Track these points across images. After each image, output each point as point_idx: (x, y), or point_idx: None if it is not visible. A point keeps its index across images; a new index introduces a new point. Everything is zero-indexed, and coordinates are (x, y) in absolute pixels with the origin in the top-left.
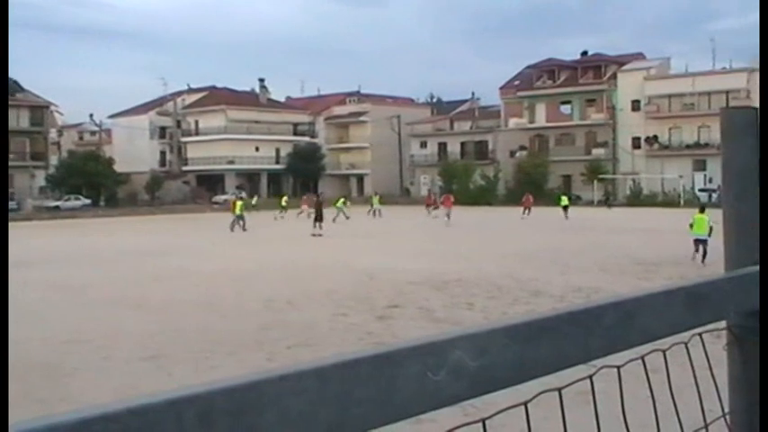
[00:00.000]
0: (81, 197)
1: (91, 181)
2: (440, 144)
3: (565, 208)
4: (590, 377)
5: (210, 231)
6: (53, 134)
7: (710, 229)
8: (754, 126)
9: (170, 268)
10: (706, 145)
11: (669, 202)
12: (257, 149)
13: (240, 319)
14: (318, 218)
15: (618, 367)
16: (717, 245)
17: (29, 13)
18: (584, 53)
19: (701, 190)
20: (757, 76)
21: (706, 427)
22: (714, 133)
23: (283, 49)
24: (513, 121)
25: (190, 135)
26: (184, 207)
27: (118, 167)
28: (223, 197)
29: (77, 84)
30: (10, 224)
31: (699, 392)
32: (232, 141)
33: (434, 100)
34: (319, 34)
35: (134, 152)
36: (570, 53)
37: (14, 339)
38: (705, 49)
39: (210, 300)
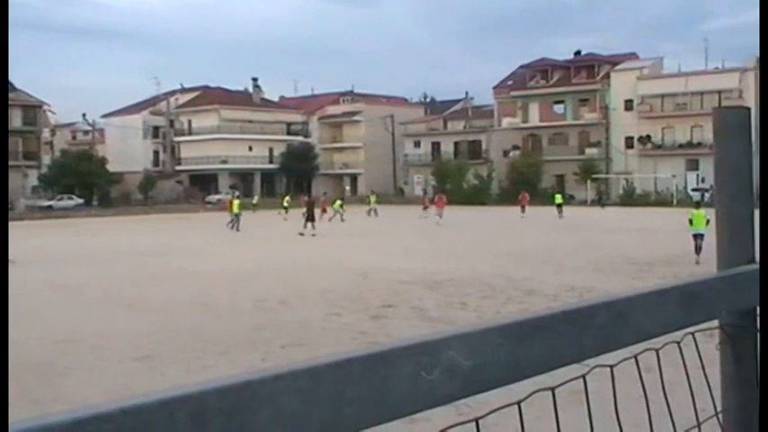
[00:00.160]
0: (74, 197)
1: (84, 180)
2: (433, 144)
3: (559, 207)
4: (583, 376)
5: (204, 231)
6: (46, 134)
7: (707, 221)
8: (746, 126)
9: (164, 268)
10: (699, 144)
11: (662, 201)
12: (250, 149)
13: (234, 318)
14: (310, 218)
15: (611, 366)
16: (711, 240)
17: (21, 13)
18: (578, 53)
19: (693, 189)
20: (749, 76)
21: (699, 425)
22: (707, 133)
23: (276, 49)
24: (506, 121)
25: (183, 135)
26: (177, 207)
27: (111, 167)
28: (216, 197)
29: (70, 83)
30: None
31: (691, 391)
32: (225, 141)
33: (428, 99)
34: (313, 34)
35: (127, 152)
36: (563, 53)
37: (9, 339)
38: (698, 48)
39: (204, 299)
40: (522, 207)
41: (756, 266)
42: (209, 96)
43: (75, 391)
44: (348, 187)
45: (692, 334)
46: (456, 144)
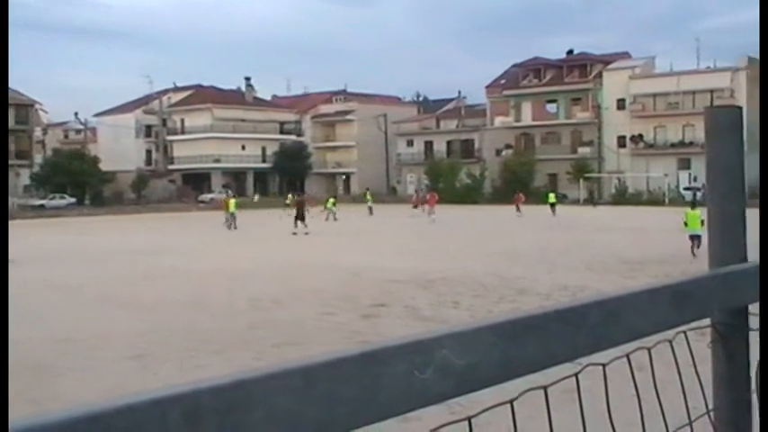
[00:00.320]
0: (66, 196)
1: (76, 180)
2: (426, 143)
3: (552, 206)
4: (576, 375)
5: (197, 230)
6: (38, 132)
7: (702, 222)
8: (738, 125)
9: (157, 267)
10: (690, 144)
11: (654, 200)
12: (243, 148)
13: (227, 317)
14: (300, 217)
15: (603, 365)
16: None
17: (14, 13)
18: (570, 52)
19: (685, 188)
20: (741, 75)
21: (690, 424)
22: (699, 132)
23: (270, 48)
24: (498, 120)
25: (176, 134)
26: (170, 206)
27: (103, 166)
28: (209, 196)
29: (62, 82)
30: None
31: (683, 390)
32: (218, 140)
33: (421, 99)
34: (306, 33)
35: (120, 151)
36: (556, 52)
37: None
38: (690, 48)
39: (197, 299)
40: (518, 207)
41: (748, 265)
42: (202, 95)
43: (67, 390)
44: (341, 187)
45: (684, 332)
46: (449, 143)
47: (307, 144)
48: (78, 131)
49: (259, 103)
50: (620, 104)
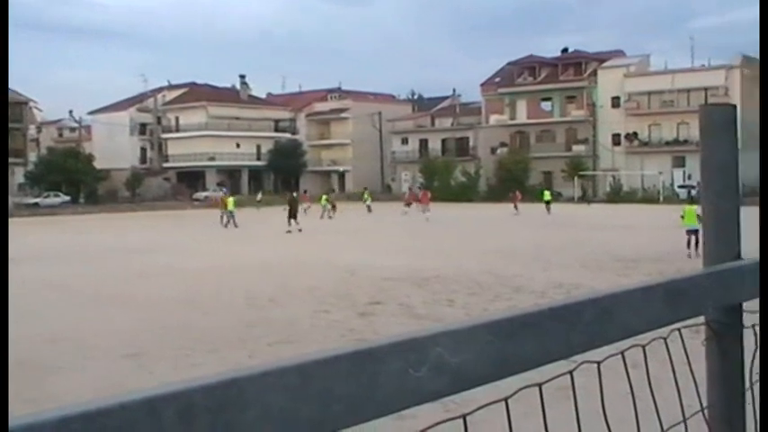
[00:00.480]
0: (60, 194)
1: (70, 178)
2: (421, 141)
3: (547, 203)
4: (570, 373)
5: (192, 228)
6: (32, 131)
7: (698, 217)
8: (732, 123)
9: (152, 265)
10: (685, 142)
11: (649, 198)
12: (238, 146)
13: (222, 316)
14: (292, 215)
15: (598, 363)
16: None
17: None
18: (565, 50)
19: (680, 186)
20: (735, 73)
21: (685, 421)
22: (693, 130)
23: (264, 46)
24: (493, 118)
25: (170, 131)
26: (165, 204)
27: (98, 164)
28: (204, 194)
29: (57, 80)
30: None
31: (678, 387)
32: (213, 138)
33: (415, 97)
34: (301, 31)
35: (114, 149)
36: (551, 50)
37: None
38: (684, 46)
39: (193, 297)
40: (515, 205)
41: (742, 263)
42: (197, 93)
43: (62, 389)
44: (336, 185)
45: (679, 330)
46: (443, 141)
47: (301, 142)
48: (73, 129)
49: (254, 100)
50: (615, 102)
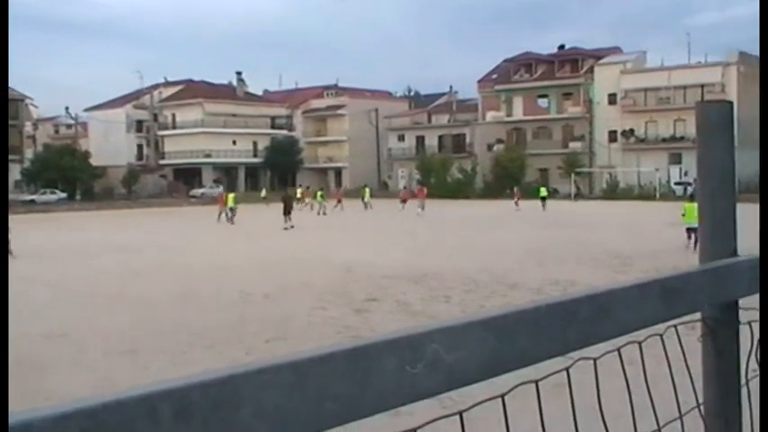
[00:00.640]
0: (57, 191)
1: (67, 175)
2: (417, 137)
3: (543, 200)
4: (566, 369)
5: (189, 225)
6: (28, 127)
7: None
8: (729, 120)
9: (148, 262)
10: (681, 138)
11: (645, 195)
12: (234, 143)
13: (219, 312)
14: (286, 212)
15: (594, 359)
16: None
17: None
18: (561, 47)
19: (676, 183)
20: (732, 70)
21: (681, 417)
22: (689, 127)
23: (261, 43)
24: (490, 115)
25: (167, 128)
26: (161, 201)
27: (94, 161)
28: (200, 191)
29: (53, 77)
30: None
31: (674, 383)
32: (209, 135)
33: (412, 93)
34: (297, 28)
35: (110, 146)
36: (547, 47)
37: None
38: (681, 43)
39: (189, 294)
40: (516, 201)
41: (738, 260)
42: (193, 90)
43: (59, 386)
44: (332, 182)
45: (675, 327)
46: (440, 138)
47: (298, 139)
48: (69, 126)
49: (250, 97)
50: (612, 99)
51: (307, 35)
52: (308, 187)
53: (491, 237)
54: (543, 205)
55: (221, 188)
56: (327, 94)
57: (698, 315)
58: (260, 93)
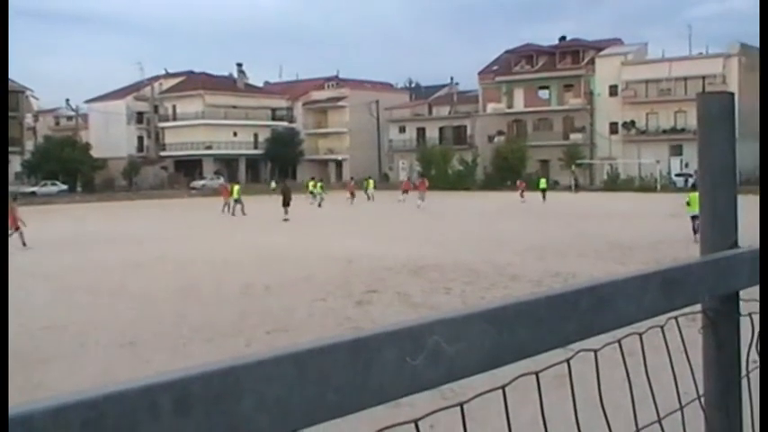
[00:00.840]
0: (58, 183)
1: (67, 167)
2: (418, 129)
3: (543, 191)
4: (567, 361)
5: (190, 217)
6: (29, 119)
7: None
8: (730, 111)
9: (148, 254)
10: (682, 130)
11: (646, 186)
12: (235, 135)
13: (219, 305)
14: (285, 203)
15: (595, 351)
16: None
17: None
18: (563, 38)
19: (677, 175)
20: (733, 61)
21: (681, 409)
22: (690, 118)
23: (261, 34)
24: (491, 107)
25: (167, 120)
26: (162, 192)
27: (95, 153)
28: (201, 182)
29: (53, 68)
30: None
31: (674, 375)
32: (210, 126)
33: (413, 85)
34: (298, 19)
35: (111, 137)
36: (548, 39)
37: None
38: (682, 34)
39: (189, 286)
40: (521, 193)
41: (739, 251)
42: (194, 82)
43: (59, 378)
44: (333, 174)
45: (676, 318)
46: (441, 129)
47: (299, 131)
48: (69, 118)
49: (251, 89)
50: (613, 91)
51: (307, 27)
52: (351, 178)
53: (492, 228)
54: (543, 197)
55: (222, 180)
56: (328, 86)
57: (698, 307)
58: (261, 84)
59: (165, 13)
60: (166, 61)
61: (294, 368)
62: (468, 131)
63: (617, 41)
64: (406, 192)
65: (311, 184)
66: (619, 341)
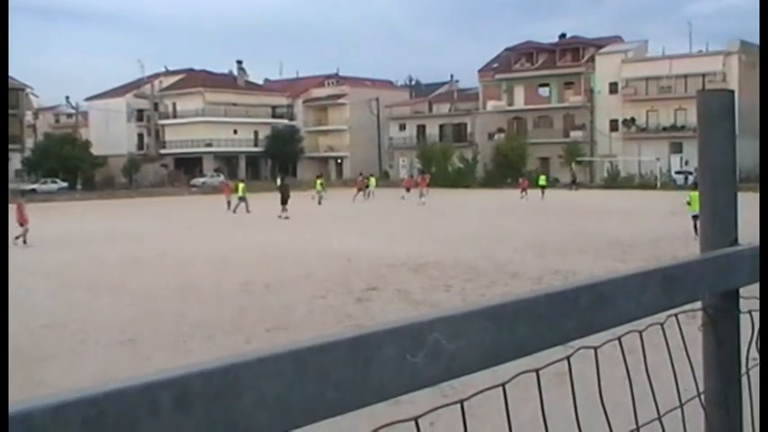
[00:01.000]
0: (57, 180)
1: (67, 164)
2: (418, 127)
3: (542, 188)
4: (567, 358)
5: (189, 214)
6: (29, 117)
7: None
8: (730, 109)
9: (148, 252)
10: (682, 128)
11: (646, 184)
12: (235, 132)
13: (219, 302)
14: (284, 201)
15: (595, 348)
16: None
17: None
18: (563, 36)
19: (677, 172)
20: (733, 59)
21: (681, 406)
22: (690, 116)
23: (262, 32)
24: (491, 104)
25: (167, 118)
26: (162, 190)
27: (95, 150)
28: (201, 180)
29: (53, 66)
30: None
31: (674, 372)
32: (210, 124)
33: (413, 83)
34: (298, 16)
35: (111, 135)
36: (548, 36)
37: None
38: (682, 32)
39: (189, 283)
40: (524, 191)
41: (739, 248)
42: (194, 79)
43: (60, 375)
44: (333, 171)
45: (676, 316)
46: (441, 127)
47: (299, 128)
48: (69, 116)
49: (251, 86)
50: (613, 88)
51: (308, 24)
52: (360, 174)
53: (492, 225)
54: (542, 194)
55: (222, 177)
56: (328, 84)
57: (698, 304)
58: (261, 82)
59: (165, 10)
60: (167, 59)
61: (294, 365)
62: (469, 129)
63: (617, 39)
64: (408, 189)
65: (318, 182)
66: (619, 338)
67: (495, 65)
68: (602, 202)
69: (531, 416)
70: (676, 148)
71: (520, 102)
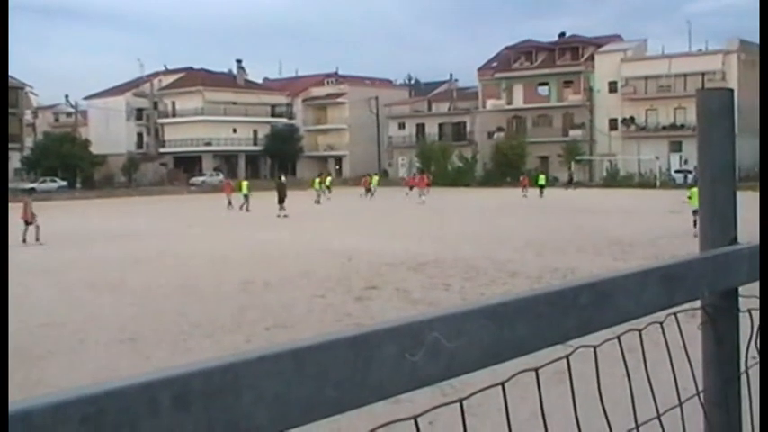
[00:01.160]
0: (57, 179)
1: (67, 163)
2: (418, 125)
3: (541, 187)
4: (567, 357)
5: (189, 213)
6: (28, 116)
7: None
8: (729, 108)
9: (147, 251)
10: (682, 126)
11: (645, 183)
12: (235, 131)
13: (218, 301)
14: (281, 200)
15: (594, 347)
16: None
17: None
18: (562, 35)
19: (676, 171)
20: (732, 58)
21: (680, 405)
22: (690, 115)
23: (261, 31)
24: (490, 103)
25: (167, 116)
26: (161, 189)
27: (94, 149)
28: (201, 179)
29: (53, 65)
30: None
31: (674, 371)
32: (209, 123)
33: (412, 81)
34: (297, 15)
35: (110, 134)
36: (548, 35)
37: None
38: (681, 31)
39: (189, 282)
40: (524, 188)
41: (738, 247)
42: (193, 78)
43: (59, 374)
44: (333, 170)
45: (675, 314)
46: (440, 126)
47: (298, 127)
48: (69, 114)
49: (250, 85)
50: (612, 87)
51: (307, 23)
52: (367, 174)
53: (491, 224)
54: (541, 193)
55: (221, 176)
56: (328, 83)
57: (698, 303)
58: (260, 81)
59: (164, 9)
60: (166, 58)
61: (293, 364)
62: (468, 128)
63: (616, 38)
64: (411, 187)
65: (328, 179)
66: (618, 337)
67: (495, 64)
68: (601, 201)
69: (530, 414)
70: (676, 146)
71: (519, 101)
